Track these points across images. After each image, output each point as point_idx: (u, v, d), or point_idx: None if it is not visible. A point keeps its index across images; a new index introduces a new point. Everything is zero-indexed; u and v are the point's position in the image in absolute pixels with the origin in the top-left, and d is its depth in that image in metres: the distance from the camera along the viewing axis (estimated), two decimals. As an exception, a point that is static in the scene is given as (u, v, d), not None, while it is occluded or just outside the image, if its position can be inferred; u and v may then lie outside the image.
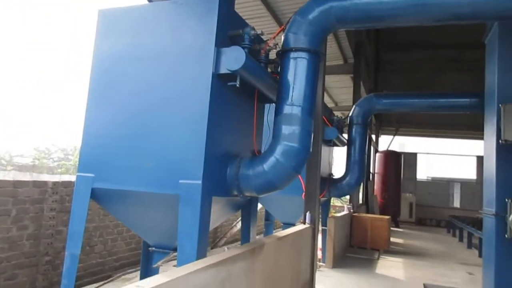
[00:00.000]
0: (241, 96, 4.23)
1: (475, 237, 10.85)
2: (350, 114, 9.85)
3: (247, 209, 4.73)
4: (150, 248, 4.19)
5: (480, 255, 9.28)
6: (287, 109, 4.23)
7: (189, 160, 3.60)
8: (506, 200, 5.06)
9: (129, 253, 7.03)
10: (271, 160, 4.04)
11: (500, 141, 5.31)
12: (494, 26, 5.78)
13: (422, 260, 9.34)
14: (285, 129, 4.17)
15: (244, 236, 4.66)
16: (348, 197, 12.73)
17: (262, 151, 4.64)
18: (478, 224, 10.51)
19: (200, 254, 3.29)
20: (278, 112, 4.31)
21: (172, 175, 3.59)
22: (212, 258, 2.75)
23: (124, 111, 3.85)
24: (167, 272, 2.29)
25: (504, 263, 5.13)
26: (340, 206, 17.33)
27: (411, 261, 9.06)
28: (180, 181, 3.53)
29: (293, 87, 4.28)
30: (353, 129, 9.45)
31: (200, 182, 3.49)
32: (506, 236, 4.96)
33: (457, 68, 14.94)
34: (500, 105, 5.36)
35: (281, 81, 4.34)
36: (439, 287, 6.80)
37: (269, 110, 4.79)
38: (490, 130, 5.78)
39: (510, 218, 4.84)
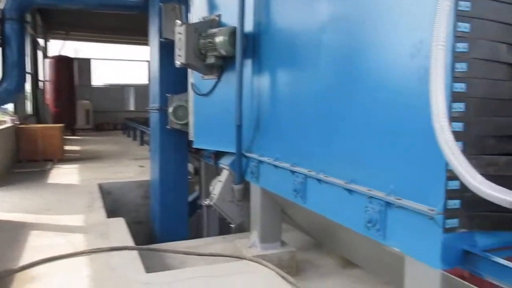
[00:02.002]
0: None
1: (146, 135, 11.82)
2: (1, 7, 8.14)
3: None
4: None
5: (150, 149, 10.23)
6: None
7: None
8: (167, 95, 5.53)
9: None
10: None
11: (161, 40, 5.60)
12: None
13: (98, 162, 9.47)
14: None
15: None
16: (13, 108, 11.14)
17: None
18: (148, 123, 11.42)
19: None
20: None
21: None
22: None
23: None
24: None
25: (166, 149, 5.80)
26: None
27: (87, 165, 9.02)
28: None
29: None
30: (7, 26, 7.90)
31: None
32: (167, 127, 5.52)
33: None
34: (161, 4, 5.56)
35: None
36: (112, 183, 7.10)
37: None
38: (154, 30, 6.00)
39: (170, 110, 5.36)
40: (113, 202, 6.90)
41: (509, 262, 1.83)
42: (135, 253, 3.78)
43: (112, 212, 6.07)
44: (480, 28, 1.92)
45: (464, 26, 1.87)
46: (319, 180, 2.89)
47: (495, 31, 1.97)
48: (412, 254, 2.11)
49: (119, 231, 4.39)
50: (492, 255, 1.91)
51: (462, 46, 1.86)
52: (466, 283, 1.88)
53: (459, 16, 1.87)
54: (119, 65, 22.96)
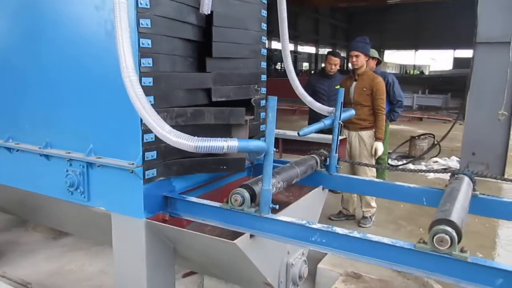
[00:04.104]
0: None
1: None
2: None
3: None
4: None
5: None
6: None
7: None
8: None
9: None
10: None
11: None
12: None
13: None
14: None
15: None
16: None
17: None
18: None
19: None
20: None
21: None
22: None
23: None
24: None
25: None
26: None
27: None
28: None
29: None
30: None
31: None
32: None
33: None
34: None
35: None
36: None
37: None
38: None
39: None
40: None
41: (198, 199, 2.12)
42: None
43: None
44: (161, -15, 1.99)
45: (145, -18, 1.90)
46: (9, 149, 2.51)
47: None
48: (117, 210, 2.14)
49: None
50: (186, 196, 2.16)
51: (144, 2, 1.90)
52: (167, 225, 2.06)
53: (140, -29, 1.88)
54: None
